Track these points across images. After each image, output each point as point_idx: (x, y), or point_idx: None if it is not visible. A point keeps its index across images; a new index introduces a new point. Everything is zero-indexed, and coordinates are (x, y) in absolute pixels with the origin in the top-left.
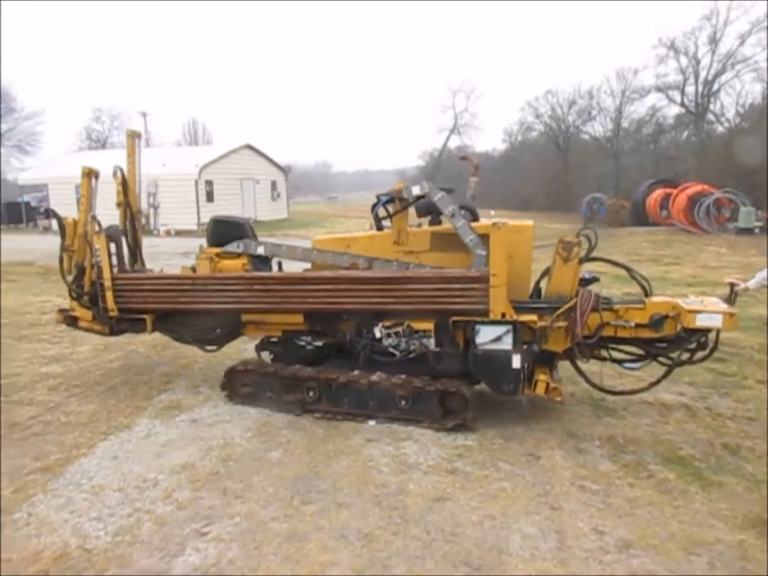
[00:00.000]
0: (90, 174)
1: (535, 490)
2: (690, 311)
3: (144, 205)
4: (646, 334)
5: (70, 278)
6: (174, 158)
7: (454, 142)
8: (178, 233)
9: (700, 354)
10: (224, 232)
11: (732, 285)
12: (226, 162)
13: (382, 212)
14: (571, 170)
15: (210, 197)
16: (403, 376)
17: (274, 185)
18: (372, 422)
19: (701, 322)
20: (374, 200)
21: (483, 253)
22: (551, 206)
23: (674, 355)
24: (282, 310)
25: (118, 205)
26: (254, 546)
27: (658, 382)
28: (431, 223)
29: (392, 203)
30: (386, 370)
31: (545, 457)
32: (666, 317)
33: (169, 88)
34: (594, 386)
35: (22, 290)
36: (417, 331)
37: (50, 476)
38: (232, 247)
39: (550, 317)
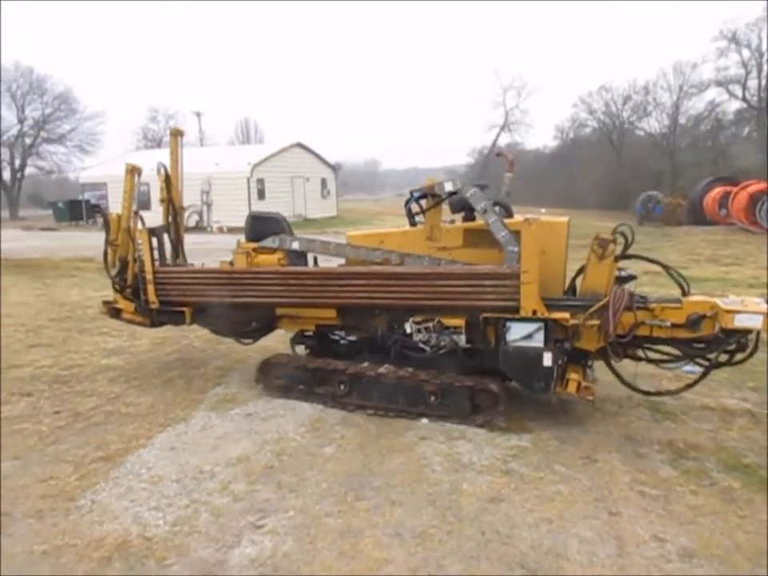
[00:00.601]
0: (133, 171)
1: (593, 494)
2: (729, 311)
3: (198, 202)
4: (683, 334)
5: (113, 272)
6: (227, 157)
7: (503, 140)
8: (231, 230)
9: (740, 356)
10: (261, 227)
11: None
12: (278, 160)
13: (415, 208)
14: (625, 167)
15: (261, 194)
16: (433, 372)
17: (323, 182)
18: (425, 420)
19: (739, 322)
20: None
21: (515, 249)
22: (604, 205)
23: (712, 356)
24: (316, 305)
25: (161, 201)
26: (309, 541)
27: (695, 383)
28: (464, 219)
29: (424, 199)
30: (416, 366)
31: (602, 460)
32: (704, 317)
33: (222, 88)
34: (627, 385)
35: (82, 285)
36: (447, 327)
37: (111, 465)
38: (268, 242)
39: (583, 315)
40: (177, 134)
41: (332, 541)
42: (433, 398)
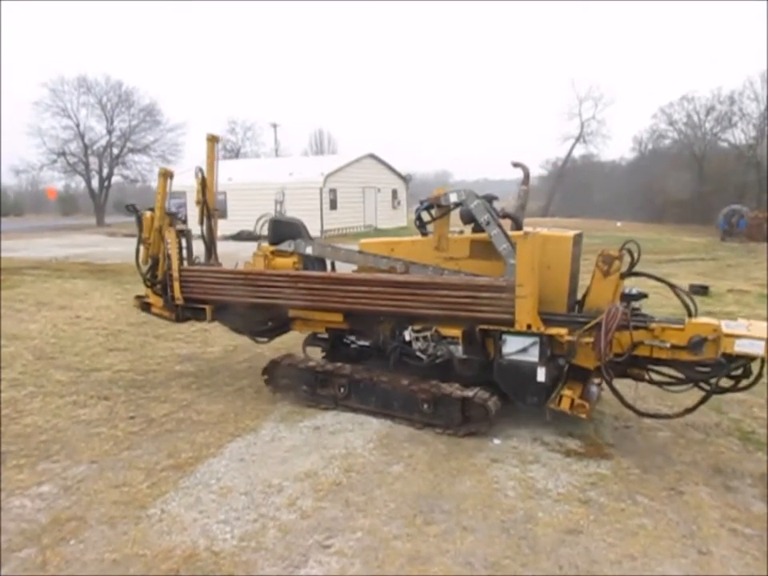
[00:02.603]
0: (166, 175)
1: (679, 529)
2: (729, 335)
3: (271, 212)
4: (685, 356)
5: (144, 268)
6: (301, 167)
7: (579, 151)
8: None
9: (745, 383)
10: (281, 231)
11: None
12: (350, 171)
13: (426, 218)
14: (707, 180)
15: (333, 204)
16: (429, 381)
17: (394, 193)
18: (497, 441)
19: (740, 347)
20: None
21: (515, 262)
22: (684, 219)
23: (715, 381)
24: (323, 308)
25: (197, 203)
26: (377, 565)
27: (695, 408)
28: (474, 231)
29: (431, 209)
30: (416, 374)
31: (688, 493)
32: (706, 339)
33: (298, 100)
34: (628, 406)
35: None
36: (445, 337)
37: (182, 474)
38: (284, 246)
39: (579, 331)
40: (213, 139)
41: (400, 566)
42: (426, 406)
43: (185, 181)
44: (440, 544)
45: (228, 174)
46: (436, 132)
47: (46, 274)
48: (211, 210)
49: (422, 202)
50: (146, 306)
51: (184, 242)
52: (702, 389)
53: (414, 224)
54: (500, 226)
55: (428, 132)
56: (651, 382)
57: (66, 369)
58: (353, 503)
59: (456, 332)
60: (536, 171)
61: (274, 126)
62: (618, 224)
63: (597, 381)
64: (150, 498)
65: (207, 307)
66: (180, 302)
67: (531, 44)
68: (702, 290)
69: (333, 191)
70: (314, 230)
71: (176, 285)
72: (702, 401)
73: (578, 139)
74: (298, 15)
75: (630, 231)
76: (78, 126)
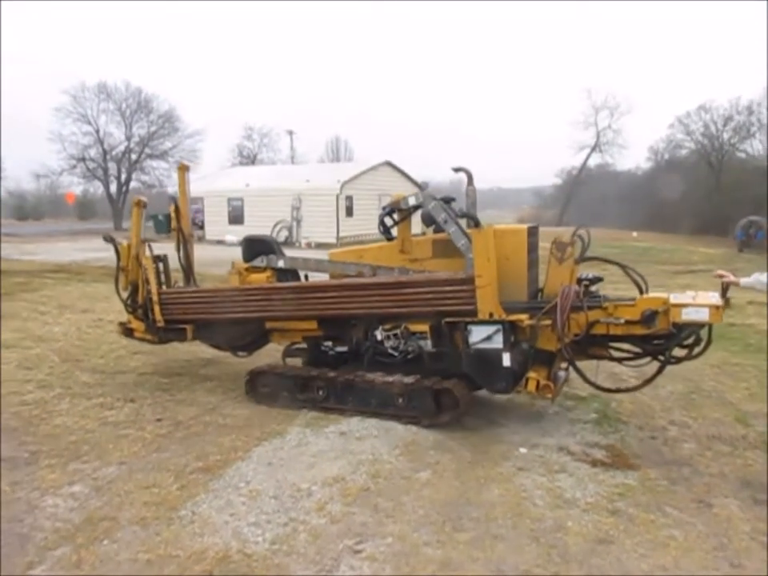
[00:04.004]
0: (139, 204)
1: (710, 542)
2: (676, 305)
3: (288, 218)
4: (639, 330)
5: (125, 294)
6: (317, 174)
7: (594, 160)
8: (319, 245)
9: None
10: (254, 248)
11: (721, 277)
12: (366, 178)
13: (389, 222)
14: (724, 191)
15: (349, 211)
16: (401, 376)
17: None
18: (523, 450)
19: (687, 315)
20: (506, 218)
21: (473, 255)
22: (700, 229)
23: (668, 352)
24: (297, 317)
25: (173, 230)
26: (408, 570)
27: (652, 379)
28: (435, 231)
29: (392, 214)
30: (390, 371)
31: (718, 505)
32: (657, 312)
33: (314, 107)
34: (590, 383)
35: None
36: (414, 333)
37: (211, 476)
38: (257, 262)
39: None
40: (183, 168)
41: (431, 573)
42: (401, 400)
43: (202, 186)
44: (470, 551)
45: (245, 181)
46: (451, 140)
47: (66, 277)
48: (186, 235)
49: (384, 208)
50: (128, 332)
51: (161, 267)
52: (659, 360)
53: (380, 230)
54: (457, 224)
55: (443, 140)
56: (612, 359)
57: (92, 371)
58: (382, 509)
59: (424, 327)
60: (550, 180)
61: (290, 132)
62: (634, 234)
63: (563, 365)
64: (180, 500)
65: (188, 327)
66: (161, 323)
67: (547, 53)
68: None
69: (349, 198)
70: (329, 237)
71: (156, 308)
72: (659, 371)
73: (593, 148)
74: (316, 23)
75: (645, 241)
76: (97, 132)
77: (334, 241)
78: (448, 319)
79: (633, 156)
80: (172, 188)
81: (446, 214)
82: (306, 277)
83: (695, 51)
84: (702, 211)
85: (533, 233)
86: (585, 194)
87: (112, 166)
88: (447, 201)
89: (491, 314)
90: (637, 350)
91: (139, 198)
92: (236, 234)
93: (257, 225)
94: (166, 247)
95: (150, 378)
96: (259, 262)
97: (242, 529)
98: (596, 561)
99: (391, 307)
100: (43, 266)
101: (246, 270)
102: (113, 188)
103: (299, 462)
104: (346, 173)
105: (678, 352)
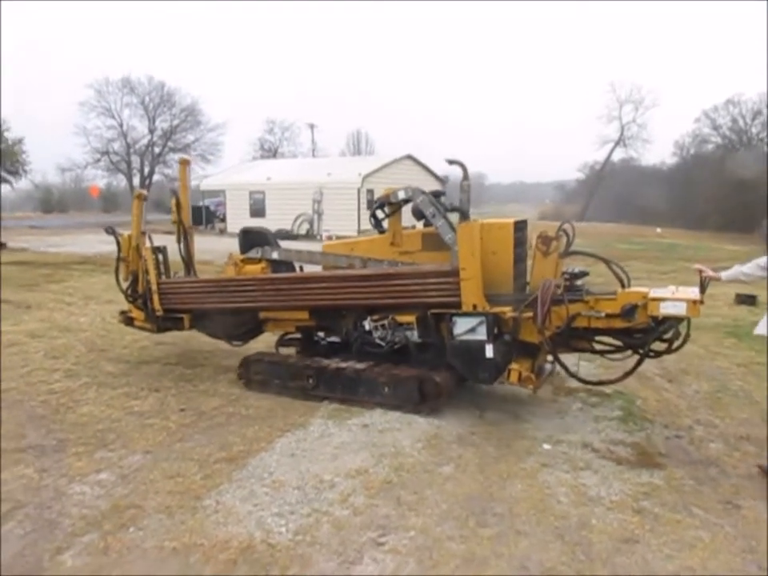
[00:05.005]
0: (140, 197)
1: (738, 544)
2: (655, 299)
3: (309, 211)
4: (619, 324)
5: (125, 285)
6: (338, 167)
7: (618, 155)
8: (339, 238)
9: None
10: (250, 240)
11: (700, 272)
12: (388, 172)
13: (380, 215)
14: (752, 187)
15: (370, 205)
16: (387, 365)
17: None
18: (546, 446)
19: (664, 309)
20: (528, 212)
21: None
22: (726, 226)
23: (646, 345)
24: (289, 307)
25: (173, 222)
26: (432, 565)
27: (631, 372)
28: (425, 225)
29: (384, 207)
30: (375, 361)
31: (746, 507)
32: (636, 306)
33: (335, 101)
34: (573, 375)
35: None
36: (401, 324)
37: (234, 467)
38: (252, 253)
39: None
40: (184, 162)
41: (455, 567)
42: (386, 389)
43: (224, 179)
44: (494, 547)
45: (266, 174)
46: (472, 134)
47: (91, 268)
48: (186, 227)
49: (375, 202)
50: (129, 321)
51: (161, 258)
52: (638, 354)
53: (372, 223)
54: (445, 218)
55: (464, 134)
56: (593, 351)
57: (117, 361)
58: (404, 502)
59: (410, 318)
60: (573, 174)
61: (312, 126)
62: (658, 230)
63: (549, 358)
64: (204, 489)
65: (185, 316)
66: (160, 313)
67: (571, 45)
68: (750, 300)
69: (370, 191)
70: (351, 230)
71: (155, 297)
72: (637, 364)
73: (617, 143)
74: (335, 16)
75: (670, 238)
76: (121, 125)
77: (355, 234)
78: (434, 311)
79: (658, 151)
80: (195, 181)
81: (434, 208)
82: (301, 268)
83: (723, 43)
84: (728, 208)
85: (520, 227)
86: (608, 189)
87: (135, 160)
88: (437, 195)
89: (475, 306)
90: (618, 343)
91: (139, 191)
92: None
93: (278, 218)
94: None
95: (173, 369)
96: (254, 253)
97: (266, 519)
98: (621, 560)
99: (379, 298)
100: (69, 258)
101: (242, 261)
102: (136, 181)
103: (322, 453)
104: (368, 166)
105: (658, 345)
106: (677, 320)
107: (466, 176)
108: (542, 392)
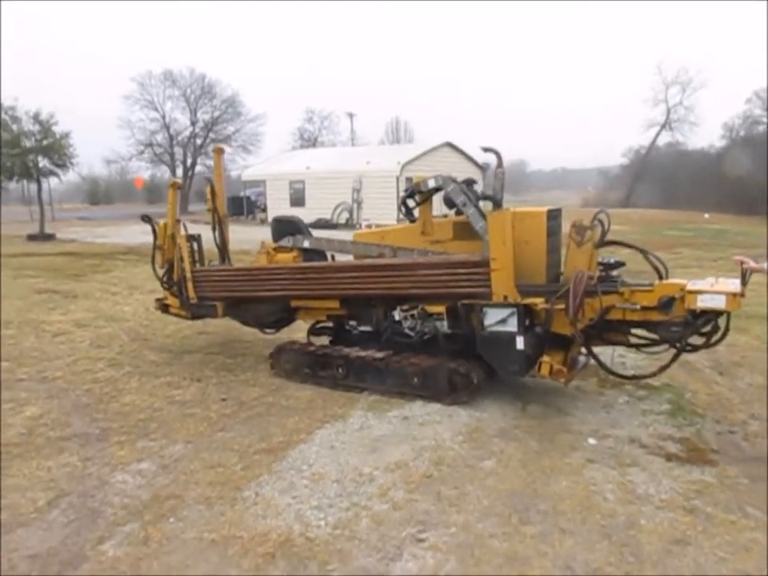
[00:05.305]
0: (175, 186)
1: None
2: (692, 292)
3: (348, 200)
4: (656, 317)
5: (161, 272)
6: (377, 156)
7: (664, 139)
8: (378, 227)
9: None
10: (282, 229)
11: (741, 263)
12: (427, 160)
13: (411, 204)
14: None
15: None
16: (417, 356)
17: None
18: (592, 441)
19: (702, 302)
20: (570, 199)
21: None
22: None
23: (683, 339)
24: (320, 296)
25: (208, 210)
26: (473, 563)
27: (667, 367)
28: (456, 214)
29: (415, 196)
30: (405, 351)
31: None
32: (674, 299)
33: (374, 89)
34: (606, 369)
35: None
36: (431, 314)
37: (274, 458)
38: (284, 242)
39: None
40: (218, 151)
41: (498, 566)
42: (415, 379)
43: (264, 170)
44: (538, 546)
45: (306, 163)
46: (512, 120)
47: (136, 258)
48: (221, 216)
49: (405, 190)
50: (164, 307)
51: (195, 246)
52: (675, 348)
53: (403, 212)
54: (476, 207)
55: (504, 120)
56: (629, 345)
57: (160, 350)
58: (445, 497)
59: (440, 309)
60: (617, 160)
61: (351, 115)
62: (706, 216)
63: (584, 351)
64: (244, 480)
65: (218, 304)
66: (194, 300)
67: (616, 26)
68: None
69: (409, 180)
70: (390, 218)
71: (190, 285)
72: (673, 359)
73: (663, 126)
74: (369, 6)
75: (718, 223)
76: (163, 117)
77: (394, 222)
78: (464, 301)
79: (705, 134)
80: (235, 172)
81: (465, 196)
82: (333, 257)
83: None
84: None
85: (554, 216)
86: (653, 174)
87: (178, 151)
88: (469, 183)
89: (506, 297)
90: (654, 336)
91: (174, 179)
92: (298, 216)
93: (318, 207)
94: (233, 229)
95: (215, 358)
96: (286, 241)
97: (305, 512)
98: (672, 562)
99: (408, 288)
100: (114, 249)
101: (274, 249)
102: (179, 172)
103: (361, 446)
104: (406, 154)
105: (696, 339)
106: (716, 313)
107: (500, 164)
108: (587, 384)
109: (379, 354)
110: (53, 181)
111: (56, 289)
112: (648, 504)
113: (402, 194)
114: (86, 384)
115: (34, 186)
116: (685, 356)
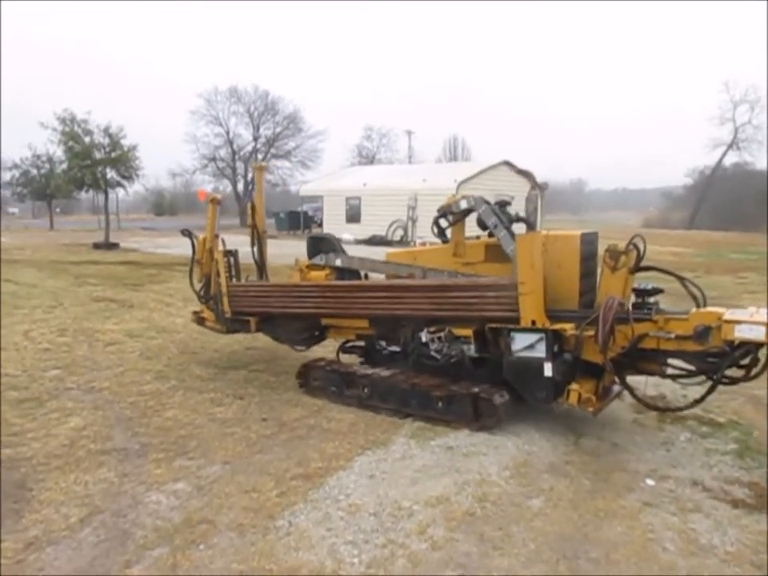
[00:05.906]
0: (214, 201)
1: None
2: (730, 321)
3: (403, 217)
4: (691, 346)
5: (198, 286)
6: (434, 174)
7: (730, 159)
8: (432, 245)
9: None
10: (317, 246)
11: None
12: (484, 178)
13: (444, 224)
14: None
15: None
16: (442, 380)
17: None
18: (650, 482)
19: (740, 333)
20: (631, 219)
21: None
22: None
23: (720, 371)
24: (349, 315)
25: (249, 226)
26: None
27: (703, 399)
28: (489, 235)
29: (447, 217)
30: (431, 373)
31: None
32: (710, 328)
33: (433, 107)
34: (639, 400)
35: None
36: (458, 337)
37: (311, 485)
38: (316, 260)
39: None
40: (260, 168)
41: None
42: (440, 404)
43: (322, 185)
44: None
45: (363, 180)
46: (572, 139)
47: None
48: (260, 233)
49: (438, 211)
50: (200, 320)
51: (232, 261)
52: (711, 380)
53: (436, 233)
54: (507, 229)
55: (563, 139)
56: (663, 375)
57: (206, 365)
58: (488, 538)
59: (468, 332)
60: (680, 180)
61: (409, 132)
62: None
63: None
64: (278, 508)
65: (252, 319)
66: (229, 315)
67: (681, 42)
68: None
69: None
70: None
71: (225, 299)
72: (709, 391)
73: (730, 146)
74: (432, 24)
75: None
76: (227, 133)
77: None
78: (491, 325)
79: None
80: (294, 187)
81: (497, 218)
82: (366, 276)
83: None
84: None
85: (589, 240)
86: (719, 195)
87: (240, 166)
88: (502, 204)
89: (534, 322)
90: (690, 367)
91: (214, 195)
92: (353, 232)
93: (373, 224)
94: (288, 244)
95: (259, 376)
96: (319, 260)
97: (339, 547)
98: None
99: (435, 310)
100: (173, 259)
101: (307, 267)
102: (240, 186)
103: (402, 476)
104: (463, 172)
105: (735, 372)
106: (755, 345)
107: (534, 185)
108: (645, 418)
109: (402, 376)
110: (120, 192)
111: (114, 298)
112: (712, 556)
113: (436, 214)
114: (132, 396)
115: (102, 197)
116: (755, 391)
